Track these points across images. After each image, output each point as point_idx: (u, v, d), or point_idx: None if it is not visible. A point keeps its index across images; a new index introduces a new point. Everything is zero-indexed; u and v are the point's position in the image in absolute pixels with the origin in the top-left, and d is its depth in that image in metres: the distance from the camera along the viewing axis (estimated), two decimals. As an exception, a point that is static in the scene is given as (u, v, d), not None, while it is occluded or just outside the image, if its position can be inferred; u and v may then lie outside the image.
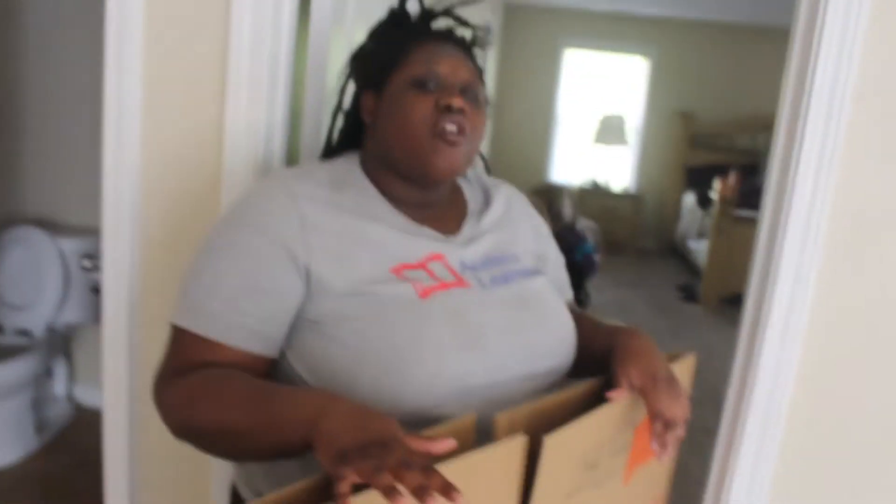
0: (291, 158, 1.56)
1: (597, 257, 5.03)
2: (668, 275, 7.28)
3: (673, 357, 1.13)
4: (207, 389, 0.93)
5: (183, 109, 1.49)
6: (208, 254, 1.03)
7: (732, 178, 6.11)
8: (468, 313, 1.02)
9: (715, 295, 6.02)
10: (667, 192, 8.36)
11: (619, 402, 0.99)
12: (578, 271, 4.18)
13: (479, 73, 1.16)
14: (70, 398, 3.37)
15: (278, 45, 1.45)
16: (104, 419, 1.70)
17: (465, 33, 1.19)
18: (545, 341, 1.09)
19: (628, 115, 8.18)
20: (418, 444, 0.74)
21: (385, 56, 1.12)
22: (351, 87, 1.21)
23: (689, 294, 6.43)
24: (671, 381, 1.02)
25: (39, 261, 3.04)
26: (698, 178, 7.81)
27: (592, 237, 5.37)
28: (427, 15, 1.19)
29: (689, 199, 7.81)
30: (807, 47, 1.40)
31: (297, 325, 1.01)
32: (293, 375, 1.02)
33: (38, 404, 3.08)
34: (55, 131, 3.25)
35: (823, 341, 1.49)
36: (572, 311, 1.24)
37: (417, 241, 1.08)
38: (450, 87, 1.06)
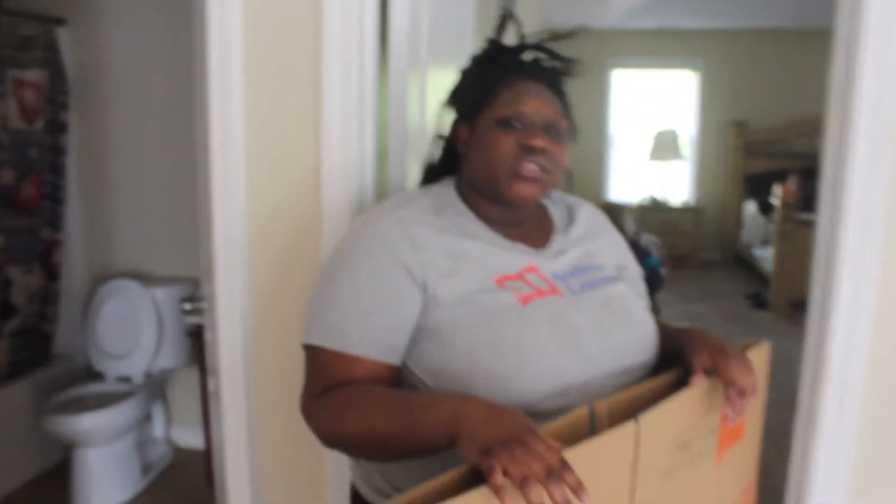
0: (381, 192, 1.68)
1: (663, 271, 5.06)
2: (735, 284, 7.23)
3: (745, 346, 1.22)
4: (351, 402, 1.05)
5: (282, 157, 1.63)
6: (333, 281, 1.15)
7: (792, 182, 6.08)
8: (564, 316, 1.13)
9: (784, 301, 5.97)
10: (727, 201, 8.33)
11: (701, 384, 1.08)
12: (646, 286, 4.23)
13: (565, 106, 1.27)
14: (169, 440, 3.55)
15: (364, 91, 1.58)
16: (224, 445, 1.80)
17: (557, 66, 1.30)
18: (631, 340, 1.19)
19: (682, 129, 8.20)
20: (551, 443, 0.83)
21: (477, 93, 1.25)
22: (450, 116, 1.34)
23: (759, 302, 6.38)
24: (740, 355, 1.12)
25: (135, 311, 3.24)
26: (758, 186, 7.78)
27: (657, 251, 5.40)
28: (519, 49, 1.30)
29: (751, 207, 7.76)
30: (851, 47, 1.47)
31: (416, 335, 1.13)
32: (414, 380, 1.14)
33: (141, 447, 3.26)
34: (140, 191, 3.48)
35: (890, 337, 1.54)
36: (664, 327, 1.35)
37: (513, 255, 1.20)
38: (533, 127, 1.18)
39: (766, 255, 6.74)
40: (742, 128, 8.06)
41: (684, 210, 8.17)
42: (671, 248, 7.36)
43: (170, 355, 3.33)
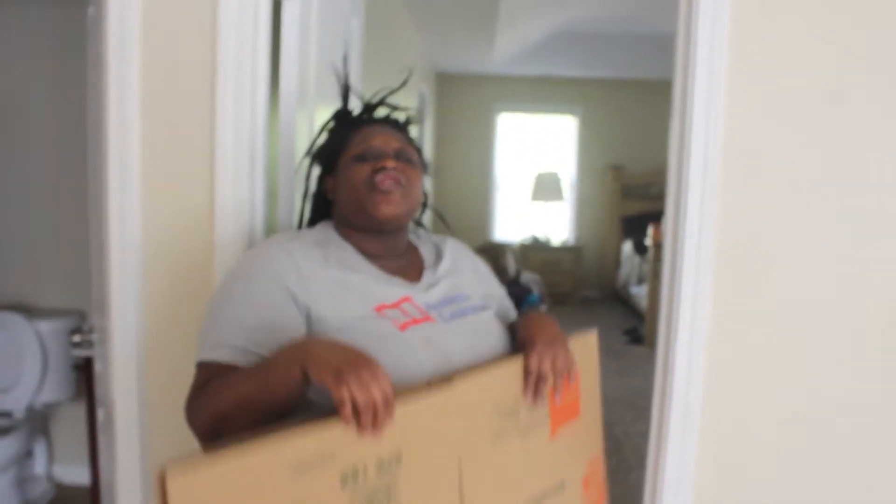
0: (271, 230, 1.78)
1: (543, 307, 5.29)
2: (614, 320, 7.55)
3: (573, 336, 1.40)
4: (220, 384, 1.14)
5: (177, 191, 1.71)
6: (224, 303, 1.25)
7: (663, 223, 6.43)
8: (437, 340, 1.27)
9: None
10: (605, 241, 8.73)
11: (518, 360, 1.26)
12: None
13: (411, 142, 1.47)
14: (50, 477, 3.46)
15: (255, 131, 1.70)
16: (116, 476, 1.82)
17: (399, 116, 1.52)
18: (493, 357, 1.33)
19: (562, 172, 8.58)
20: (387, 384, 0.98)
21: (334, 146, 1.46)
22: (314, 174, 1.54)
23: (635, 337, 6.70)
24: (547, 342, 1.28)
25: (18, 344, 3.18)
26: (634, 227, 8.18)
27: (537, 288, 5.65)
28: (366, 109, 1.52)
29: (627, 246, 8.15)
30: (683, 101, 1.70)
31: None
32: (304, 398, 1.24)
33: (21, 484, 3.18)
34: (25, 221, 3.42)
35: (722, 349, 1.77)
36: (527, 314, 1.52)
37: (390, 287, 1.34)
38: (383, 154, 1.37)
39: (641, 293, 7.09)
40: (619, 171, 8.49)
41: (565, 249, 8.49)
42: (553, 286, 7.67)
43: (54, 389, 3.27)
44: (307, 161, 1.55)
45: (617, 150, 8.60)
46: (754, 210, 1.73)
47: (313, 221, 1.53)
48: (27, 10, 3.30)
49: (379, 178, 1.33)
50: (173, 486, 0.80)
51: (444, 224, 1.67)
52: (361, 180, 1.35)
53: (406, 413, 1.02)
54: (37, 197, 3.39)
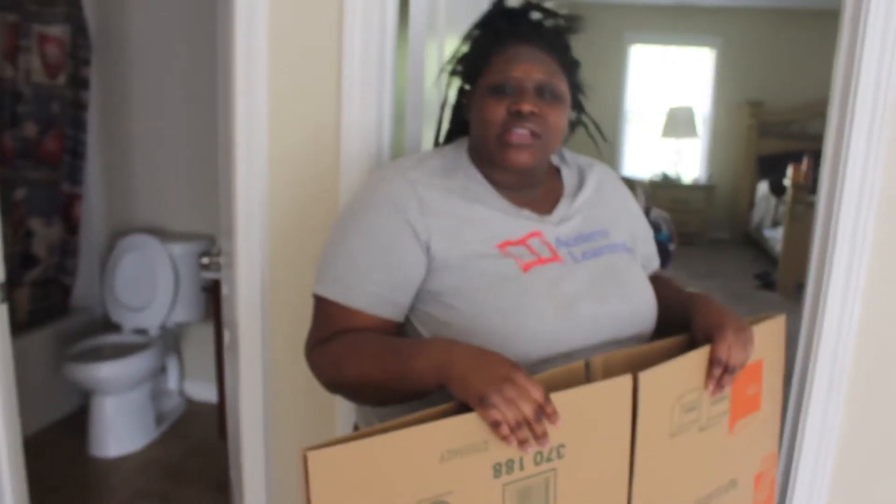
0: (397, 152, 1.73)
1: (672, 247, 5.10)
2: (744, 264, 7.26)
3: (758, 319, 1.25)
4: (349, 350, 1.12)
5: (303, 114, 1.68)
6: (343, 234, 1.21)
7: (805, 164, 6.09)
8: (562, 285, 1.17)
9: (792, 282, 5.99)
10: (739, 181, 8.34)
11: (705, 350, 1.12)
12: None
13: (564, 65, 1.30)
14: (182, 392, 3.64)
15: (383, 53, 1.63)
16: (240, 397, 1.87)
17: (557, 24, 1.33)
18: (627, 312, 1.22)
19: (696, 107, 8.19)
20: (535, 382, 0.92)
21: (474, 61, 1.30)
22: (455, 84, 1.38)
23: (767, 282, 6.41)
24: (739, 330, 1.14)
25: (152, 265, 3.32)
26: (771, 167, 7.77)
27: (667, 227, 5.43)
28: (515, 12, 1.32)
29: (763, 187, 7.77)
30: (854, 31, 1.51)
31: (421, 296, 1.19)
32: (418, 336, 1.20)
33: (155, 398, 3.35)
34: (159, 149, 3.54)
35: (880, 303, 1.61)
36: (659, 277, 1.40)
37: (518, 221, 1.23)
38: (523, 91, 1.21)
39: (775, 236, 6.76)
40: (757, 108, 8.05)
41: (696, 188, 8.19)
42: (681, 226, 7.39)
43: (185, 310, 3.41)
44: (447, 71, 1.39)
45: (755, 84, 8.11)
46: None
47: (451, 135, 1.41)
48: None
49: (515, 128, 1.19)
50: (315, 462, 0.80)
51: (595, 143, 1.46)
52: (496, 121, 1.20)
53: (575, 405, 0.94)
54: (170, 125, 3.49)
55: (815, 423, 1.66)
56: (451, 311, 1.15)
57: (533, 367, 1.09)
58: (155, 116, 3.51)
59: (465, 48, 1.34)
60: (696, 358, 1.12)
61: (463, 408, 0.91)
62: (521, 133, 1.19)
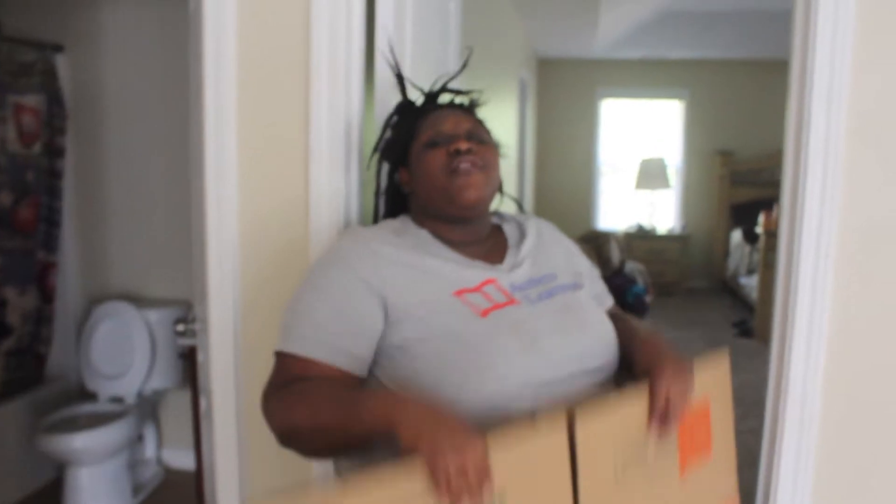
0: (366, 220, 1.75)
1: (648, 298, 5.15)
2: (722, 312, 7.31)
3: (701, 358, 1.26)
4: (301, 395, 1.14)
5: (273, 184, 1.71)
6: (300, 294, 1.26)
7: (775, 211, 6.17)
8: (523, 323, 1.21)
9: (770, 328, 6.01)
10: (714, 230, 8.44)
11: (644, 387, 1.13)
12: (631, 313, 4.31)
13: (481, 123, 1.41)
14: (160, 461, 3.58)
15: (350, 124, 1.67)
16: (215, 463, 1.85)
17: (463, 100, 1.48)
18: (590, 343, 1.26)
19: (668, 158, 8.32)
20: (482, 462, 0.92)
21: (402, 137, 1.41)
22: (385, 170, 1.49)
23: (744, 329, 6.45)
24: (676, 363, 1.17)
25: (128, 332, 3.29)
26: (744, 214, 7.89)
27: (642, 279, 5.49)
28: (428, 98, 1.48)
29: (737, 235, 7.87)
30: (802, 80, 1.58)
31: (385, 351, 1.21)
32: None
33: (132, 467, 3.29)
34: (135, 215, 3.54)
35: (845, 343, 1.64)
36: (614, 314, 1.44)
37: (471, 271, 1.28)
38: (455, 137, 1.31)
39: (751, 284, 6.83)
40: (727, 157, 8.19)
41: (671, 238, 8.27)
42: (659, 276, 7.47)
43: (162, 376, 3.38)
44: (376, 158, 1.52)
45: (725, 134, 8.29)
46: (883, 195, 1.60)
47: (389, 217, 1.48)
48: (132, 8, 3.40)
49: (456, 161, 1.28)
50: None
51: (520, 210, 1.60)
52: (439, 167, 1.30)
53: (513, 454, 0.95)
54: (145, 192, 3.50)
55: (788, 470, 1.68)
56: (417, 362, 1.18)
57: (507, 404, 1.12)
58: (130, 183, 3.52)
59: (388, 134, 1.47)
60: (636, 396, 1.13)
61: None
62: (465, 164, 1.28)
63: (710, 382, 1.24)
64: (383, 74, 1.72)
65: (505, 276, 1.30)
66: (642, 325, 1.41)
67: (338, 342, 1.19)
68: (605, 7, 5.65)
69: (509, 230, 1.45)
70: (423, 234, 1.33)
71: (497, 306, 1.23)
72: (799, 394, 1.65)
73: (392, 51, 1.58)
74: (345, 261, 1.24)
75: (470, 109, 1.45)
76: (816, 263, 1.60)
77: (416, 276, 1.23)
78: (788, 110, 1.63)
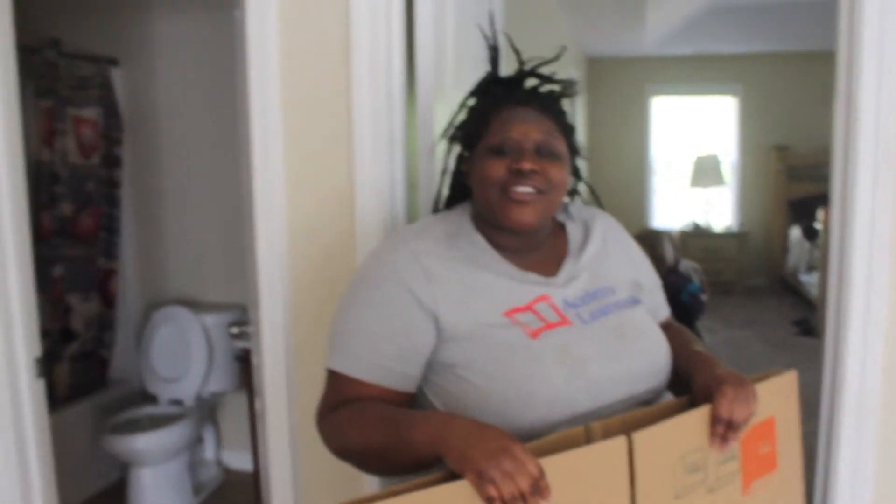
0: (412, 214, 1.77)
1: (703, 296, 5.04)
2: (782, 311, 7.14)
3: (764, 376, 1.22)
4: (353, 418, 1.14)
5: (318, 179, 1.74)
6: (349, 307, 1.23)
7: (836, 206, 6.02)
8: (572, 347, 1.17)
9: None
10: (771, 227, 8.27)
11: (705, 409, 1.11)
12: (686, 312, 4.23)
13: (560, 126, 1.31)
14: (219, 462, 3.65)
15: (392, 119, 1.69)
16: (269, 464, 1.88)
17: (552, 89, 1.35)
18: (641, 367, 1.22)
19: (723, 154, 8.19)
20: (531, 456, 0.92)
21: (472, 126, 1.32)
22: (454, 151, 1.40)
23: (806, 328, 6.29)
24: (740, 388, 1.11)
25: (186, 336, 3.37)
26: (802, 210, 7.71)
27: (697, 277, 5.39)
28: (511, 79, 1.36)
29: (796, 232, 7.69)
30: (849, 72, 1.55)
31: (433, 367, 1.21)
32: (432, 409, 1.22)
33: (193, 468, 3.37)
34: (190, 222, 3.64)
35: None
36: (669, 328, 1.39)
37: (523, 287, 1.23)
38: (522, 151, 1.22)
39: (812, 281, 6.67)
40: (784, 152, 8.02)
41: (728, 236, 8.13)
42: (716, 275, 7.33)
43: (219, 379, 3.45)
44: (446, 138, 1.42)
45: (781, 129, 8.10)
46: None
47: (452, 201, 1.42)
48: (183, 20, 3.48)
49: (517, 185, 1.20)
50: None
51: (599, 204, 1.52)
52: (495, 181, 1.21)
53: (570, 474, 0.95)
54: (200, 198, 3.59)
55: (846, 474, 1.64)
56: (463, 384, 1.16)
57: (550, 432, 1.09)
58: (185, 191, 3.62)
59: (462, 115, 1.37)
60: (697, 417, 1.10)
61: (456, 477, 0.92)
62: (522, 191, 1.20)
63: (776, 401, 1.21)
64: (424, 73, 1.74)
65: (559, 291, 1.25)
66: (698, 343, 1.36)
67: (391, 364, 1.17)
68: (651, 3, 5.60)
69: (573, 231, 1.38)
70: (479, 241, 1.27)
71: (549, 326, 1.19)
72: (855, 393, 1.61)
73: (492, 20, 1.49)
74: (396, 275, 1.19)
75: (554, 104, 1.32)
76: (870, 257, 1.56)
77: (468, 293, 1.19)
78: (836, 102, 1.60)
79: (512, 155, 1.22)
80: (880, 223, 1.55)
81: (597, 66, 8.33)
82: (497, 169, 1.21)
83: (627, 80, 8.32)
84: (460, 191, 1.40)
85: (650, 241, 5.00)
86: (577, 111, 7.01)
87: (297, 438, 1.84)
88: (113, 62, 3.54)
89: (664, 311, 1.47)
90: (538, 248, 1.31)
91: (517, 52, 1.39)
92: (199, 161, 3.56)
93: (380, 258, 1.25)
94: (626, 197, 8.28)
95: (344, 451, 1.17)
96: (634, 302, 1.33)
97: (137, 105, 3.62)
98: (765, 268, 8.37)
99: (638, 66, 8.28)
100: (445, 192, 1.43)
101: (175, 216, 3.65)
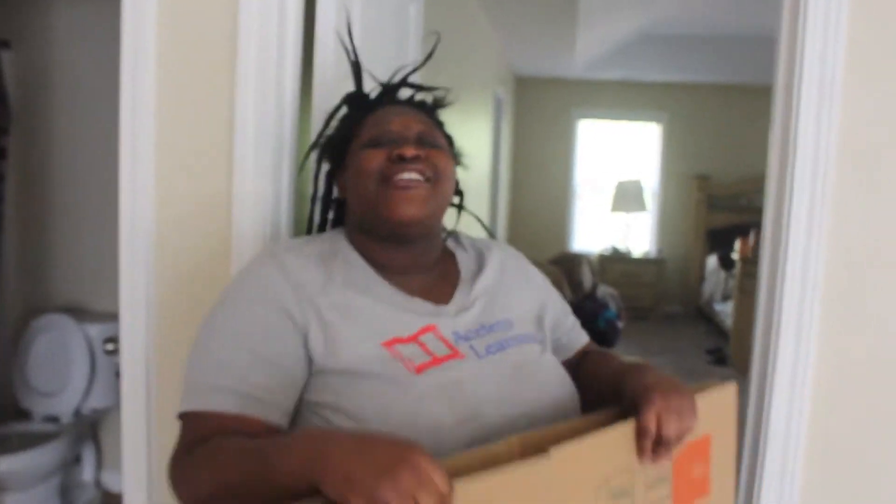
0: (300, 228, 1.58)
1: (620, 324, 5.02)
2: (696, 339, 7.18)
3: (703, 387, 1.09)
4: (206, 457, 0.91)
5: (191, 190, 1.54)
6: (210, 335, 1.02)
7: (752, 237, 6.10)
8: (463, 386, 1.00)
9: (745, 357, 5.88)
10: (689, 255, 8.36)
11: (630, 423, 0.95)
12: (603, 339, 4.19)
13: (441, 126, 1.18)
14: (98, 484, 3.37)
15: (282, 123, 1.51)
16: (123, 485, 1.69)
17: (426, 98, 1.23)
18: (543, 410, 1.05)
19: (645, 181, 8.24)
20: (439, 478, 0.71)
21: (343, 133, 1.17)
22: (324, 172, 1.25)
23: (719, 358, 6.32)
24: (668, 393, 0.97)
25: (67, 347, 3.09)
26: (720, 240, 7.81)
27: (614, 303, 5.36)
28: (384, 90, 1.22)
29: (712, 260, 7.78)
30: (787, 105, 1.46)
31: (301, 408, 1.02)
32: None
33: (66, 491, 3.09)
34: (81, 225, 3.35)
35: (832, 391, 1.50)
36: (592, 352, 1.25)
37: (408, 315, 1.06)
38: (402, 139, 1.08)
39: (726, 310, 6.73)
40: (704, 181, 8.13)
41: (646, 261, 8.16)
42: (633, 300, 7.35)
43: (102, 394, 3.18)
44: (314, 157, 1.27)
45: (703, 158, 8.22)
46: (873, 222, 1.47)
47: (325, 227, 1.26)
48: (85, 4, 3.24)
49: (396, 176, 1.05)
50: None
51: (487, 232, 1.36)
52: (374, 171, 1.06)
53: (479, 490, 0.75)
54: (92, 199, 3.32)
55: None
56: (331, 426, 0.98)
57: None
58: (77, 188, 3.34)
59: (329, 130, 1.22)
60: (622, 431, 0.94)
61: None
62: (406, 177, 1.05)
63: (714, 416, 1.07)
64: (323, 72, 1.57)
65: (449, 320, 1.09)
66: (628, 359, 1.21)
67: (259, 393, 0.96)
68: (582, 27, 5.57)
69: (464, 259, 1.22)
70: (355, 261, 1.10)
71: (435, 361, 1.02)
72: (781, 434, 1.51)
73: (350, 30, 1.33)
74: (265, 291, 1.01)
75: (431, 109, 1.22)
76: (803, 294, 1.47)
77: (341, 320, 1.01)
78: (772, 133, 1.50)
79: (390, 144, 1.08)
80: (815, 256, 1.46)
81: (525, 85, 8.31)
82: (375, 158, 1.07)
83: (555, 102, 8.32)
84: (336, 216, 1.24)
85: (569, 264, 4.95)
86: (503, 129, 6.93)
87: (153, 471, 1.65)
88: (4, 44, 3.25)
89: (582, 337, 1.33)
90: (426, 269, 1.14)
91: (378, 80, 1.28)
92: (93, 157, 3.30)
93: (246, 275, 1.07)
94: (548, 218, 8.28)
95: (196, 501, 0.92)
96: (536, 340, 1.17)
97: (28, 92, 3.34)
98: (681, 295, 8.44)
99: (566, 88, 8.29)
100: (317, 218, 1.26)
101: (64, 216, 3.37)
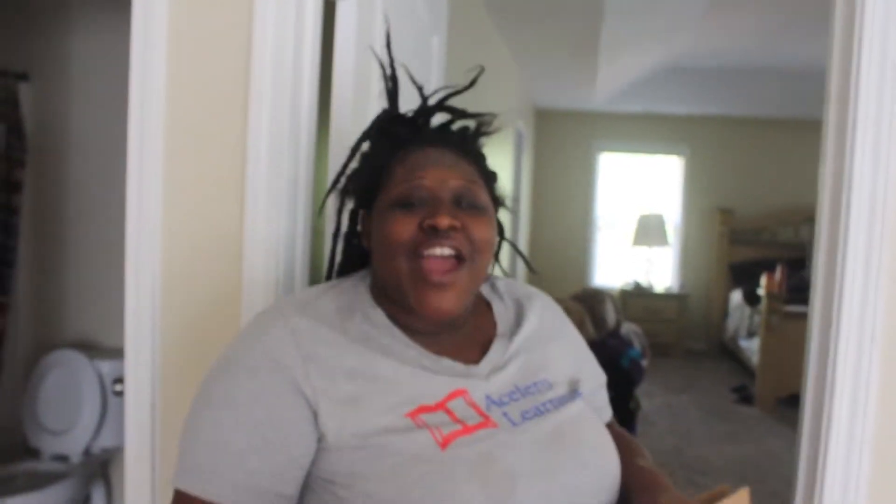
0: (316, 273, 1.49)
1: (644, 362, 4.88)
2: (720, 376, 7.03)
3: (718, 494, 1.01)
4: None
5: (200, 228, 1.46)
6: (206, 406, 0.92)
7: (779, 272, 5.97)
8: (496, 460, 0.89)
9: (771, 396, 5.76)
10: (712, 290, 8.23)
11: None
12: (626, 378, 4.06)
13: (481, 172, 1.07)
14: (108, 525, 3.28)
15: (296, 160, 1.42)
16: None
17: (466, 125, 1.11)
18: (587, 481, 0.95)
19: (667, 215, 8.14)
20: None
21: (368, 177, 1.06)
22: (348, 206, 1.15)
23: (744, 396, 6.17)
24: None
25: (77, 384, 3.02)
26: (744, 275, 7.68)
27: (638, 341, 5.24)
28: (416, 117, 1.11)
29: (736, 296, 7.64)
30: (841, 138, 1.36)
31: (309, 482, 0.93)
32: None
33: (75, 533, 3.00)
34: (95, 260, 3.30)
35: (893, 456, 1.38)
36: (613, 433, 1.12)
37: (435, 378, 0.96)
38: (437, 202, 0.97)
39: (751, 347, 6.57)
40: (727, 215, 8.02)
41: (668, 297, 8.03)
42: (655, 336, 7.21)
43: (113, 433, 3.09)
44: (336, 191, 1.15)
45: (726, 192, 8.12)
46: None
47: (348, 268, 1.15)
48: (104, 37, 3.22)
49: (427, 251, 0.95)
50: None
51: (529, 268, 1.24)
52: (403, 243, 0.96)
53: None
54: (107, 233, 3.27)
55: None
56: None
57: None
58: (92, 222, 3.29)
59: (355, 163, 1.11)
60: None
61: None
62: (439, 264, 0.95)
63: None
64: (342, 107, 1.49)
65: (480, 384, 0.98)
66: (642, 455, 1.11)
67: (259, 482, 0.88)
68: (603, 60, 5.52)
69: (501, 311, 1.12)
70: (378, 318, 1.00)
71: (465, 430, 0.91)
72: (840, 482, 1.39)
73: (389, 45, 1.21)
74: (269, 360, 0.91)
75: (470, 146, 1.09)
76: (860, 348, 1.35)
77: (360, 388, 0.91)
78: (823, 170, 1.41)
79: (425, 208, 0.97)
80: (872, 305, 1.35)
81: (545, 118, 8.26)
82: (405, 227, 0.96)
83: (575, 135, 8.26)
84: (357, 255, 1.13)
85: (592, 301, 4.82)
86: (524, 163, 6.87)
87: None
88: (22, 77, 3.22)
89: (606, 415, 1.21)
90: (456, 328, 1.04)
91: (417, 86, 1.15)
92: (109, 190, 3.24)
93: (247, 341, 0.96)
94: (568, 253, 8.18)
95: None
96: (574, 397, 1.06)
97: (46, 126, 3.30)
98: (704, 331, 8.29)
99: (587, 121, 8.24)
100: (339, 258, 1.16)
101: (79, 250, 3.32)
